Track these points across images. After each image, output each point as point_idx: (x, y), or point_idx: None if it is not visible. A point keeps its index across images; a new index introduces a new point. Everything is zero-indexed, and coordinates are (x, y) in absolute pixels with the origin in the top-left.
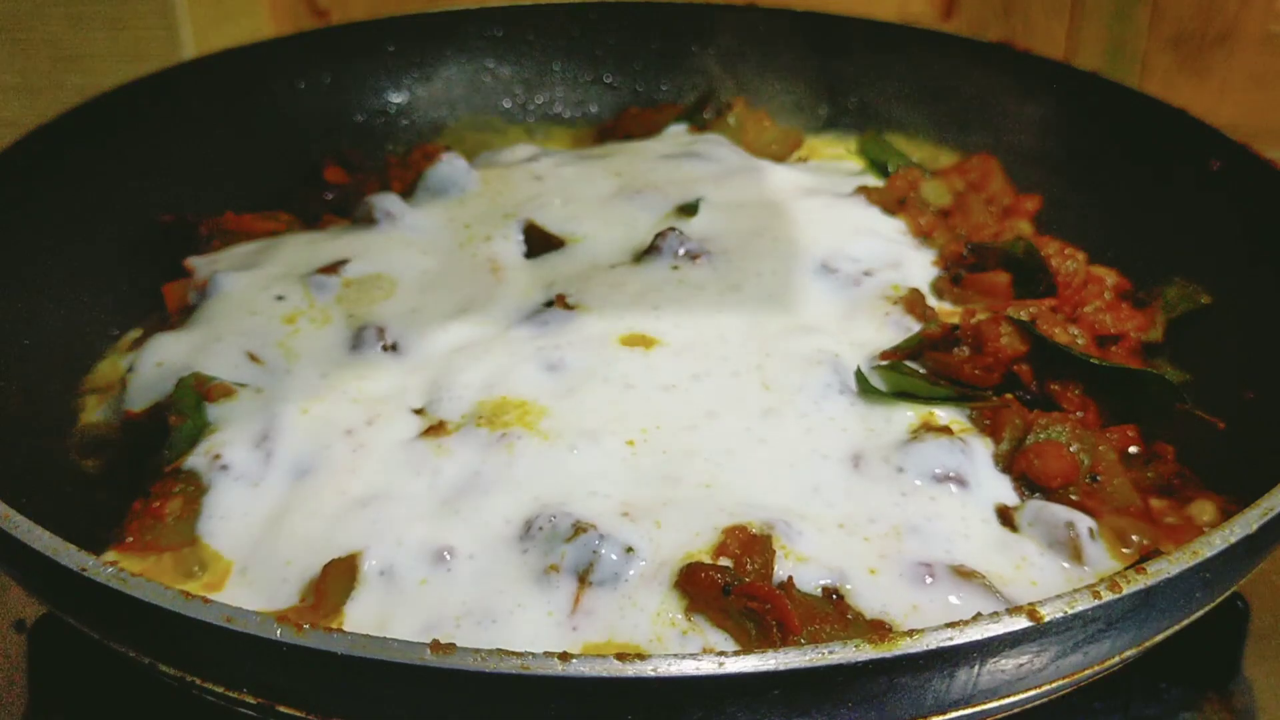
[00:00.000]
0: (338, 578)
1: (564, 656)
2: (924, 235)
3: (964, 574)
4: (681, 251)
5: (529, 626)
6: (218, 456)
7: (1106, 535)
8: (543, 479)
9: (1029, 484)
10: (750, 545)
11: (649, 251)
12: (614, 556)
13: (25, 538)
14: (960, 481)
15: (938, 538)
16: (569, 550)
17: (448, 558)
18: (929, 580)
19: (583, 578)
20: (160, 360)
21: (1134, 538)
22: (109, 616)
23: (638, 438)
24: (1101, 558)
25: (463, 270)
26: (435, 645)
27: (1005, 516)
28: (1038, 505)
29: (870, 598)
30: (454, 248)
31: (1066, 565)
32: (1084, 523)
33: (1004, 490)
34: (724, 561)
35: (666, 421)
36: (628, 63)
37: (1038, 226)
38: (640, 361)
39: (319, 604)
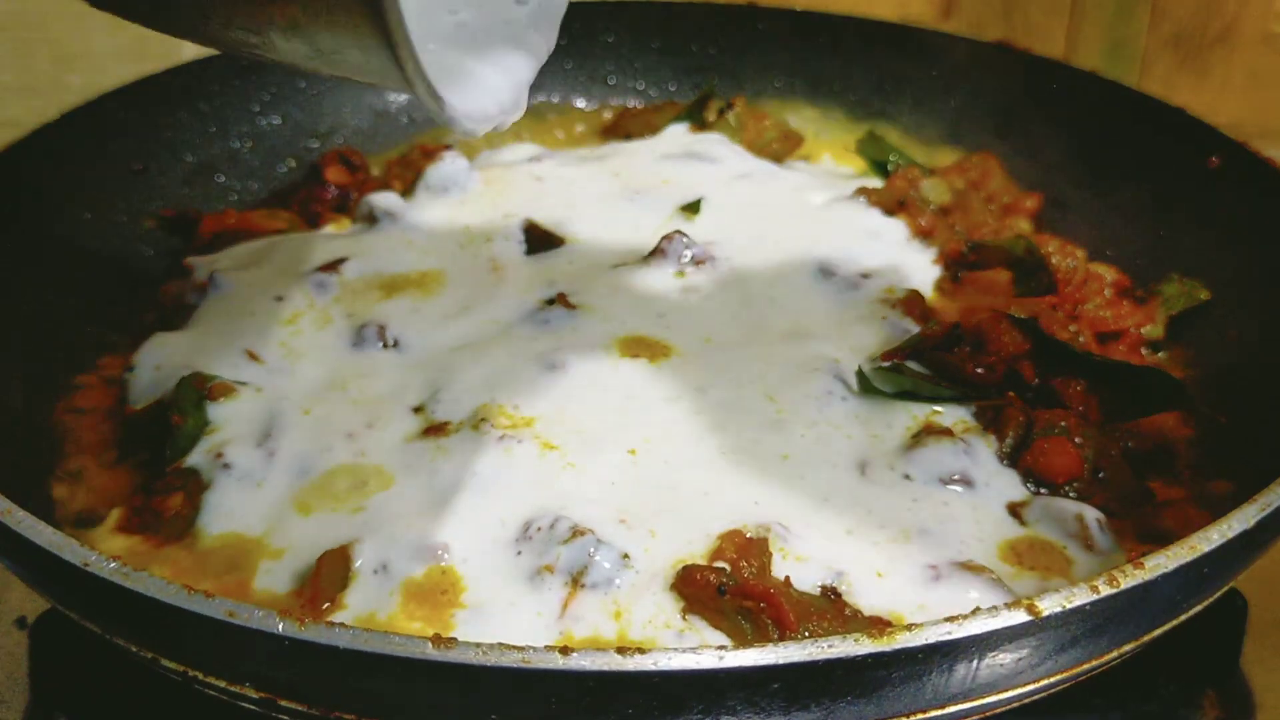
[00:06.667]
0: (332, 571)
1: (564, 650)
2: (924, 235)
3: (972, 569)
4: (687, 256)
5: (518, 626)
6: (220, 455)
7: (1114, 528)
8: (541, 483)
9: (1035, 480)
10: (746, 548)
11: (653, 254)
12: (607, 564)
13: (28, 533)
14: (967, 483)
15: (949, 539)
16: (564, 552)
17: (442, 556)
18: (937, 579)
19: (576, 580)
20: (160, 359)
21: (1141, 530)
22: (111, 611)
23: (640, 446)
24: (1112, 549)
25: (463, 269)
26: (437, 639)
27: (1016, 513)
28: (1044, 501)
29: (875, 597)
30: (454, 247)
31: (1078, 558)
32: (1092, 514)
33: (1013, 487)
34: (720, 565)
35: (671, 431)
36: (628, 62)
37: (1037, 224)
38: (645, 372)
39: (315, 597)
